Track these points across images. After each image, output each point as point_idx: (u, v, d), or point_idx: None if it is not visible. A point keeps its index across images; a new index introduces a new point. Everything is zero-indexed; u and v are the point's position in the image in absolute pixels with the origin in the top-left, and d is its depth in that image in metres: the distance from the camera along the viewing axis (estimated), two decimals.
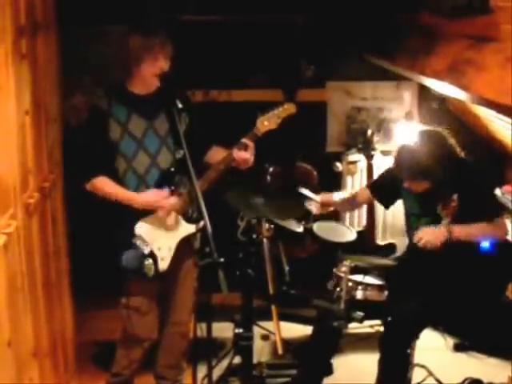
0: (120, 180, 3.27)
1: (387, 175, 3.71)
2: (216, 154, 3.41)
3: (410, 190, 3.49)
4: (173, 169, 3.28)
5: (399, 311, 3.34)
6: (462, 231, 3.32)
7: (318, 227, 4.33)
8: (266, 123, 3.31)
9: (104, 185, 3.24)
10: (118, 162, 3.26)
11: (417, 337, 3.46)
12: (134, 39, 3.15)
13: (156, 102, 3.24)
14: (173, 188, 3.29)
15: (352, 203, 3.91)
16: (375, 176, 4.17)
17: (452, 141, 3.41)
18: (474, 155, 3.54)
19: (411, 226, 3.58)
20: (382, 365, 3.33)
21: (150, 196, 3.25)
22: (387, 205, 3.83)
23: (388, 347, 3.31)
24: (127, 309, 3.37)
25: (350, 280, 3.43)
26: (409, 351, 3.38)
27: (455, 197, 3.33)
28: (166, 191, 3.27)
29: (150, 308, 3.40)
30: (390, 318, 3.39)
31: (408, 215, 3.61)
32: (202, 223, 2.95)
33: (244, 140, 3.29)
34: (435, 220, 3.41)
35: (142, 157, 3.28)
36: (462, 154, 3.42)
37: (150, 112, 3.28)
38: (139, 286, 3.33)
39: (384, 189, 3.73)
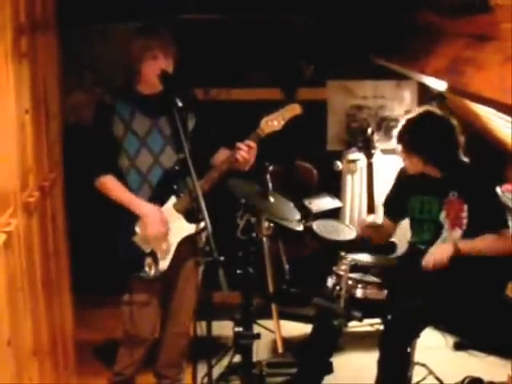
0: (123, 178, 3.29)
1: (394, 189, 3.72)
2: (222, 157, 3.38)
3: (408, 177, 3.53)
4: (177, 167, 3.28)
5: (399, 310, 3.34)
6: (467, 246, 3.34)
7: (318, 226, 4.32)
8: (270, 124, 3.29)
9: (111, 185, 3.26)
10: (121, 160, 3.28)
11: (417, 336, 3.46)
12: (136, 40, 3.21)
13: (161, 102, 3.24)
14: (175, 187, 3.30)
15: (380, 232, 3.81)
16: (375, 176, 4.17)
17: (453, 122, 3.44)
18: (474, 153, 3.55)
19: (414, 230, 3.61)
20: (382, 364, 3.32)
21: (154, 211, 3.24)
22: (397, 220, 3.81)
23: (388, 346, 3.31)
24: (129, 307, 3.37)
25: (349, 278, 3.42)
26: (408, 350, 3.38)
27: (465, 207, 3.35)
28: (165, 219, 3.26)
29: (151, 306, 3.41)
30: (389, 317, 3.39)
31: (412, 220, 3.62)
32: (202, 224, 2.95)
33: (247, 141, 3.28)
34: (437, 226, 3.45)
35: (144, 155, 3.29)
36: (462, 140, 3.43)
37: (154, 111, 3.29)
38: (141, 285, 3.34)
39: (394, 204, 3.73)
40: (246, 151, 3.24)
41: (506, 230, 3.38)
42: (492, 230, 3.37)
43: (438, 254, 3.35)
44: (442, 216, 3.46)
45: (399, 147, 3.50)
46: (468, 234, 3.41)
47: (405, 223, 3.76)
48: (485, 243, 3.36)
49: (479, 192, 3.39)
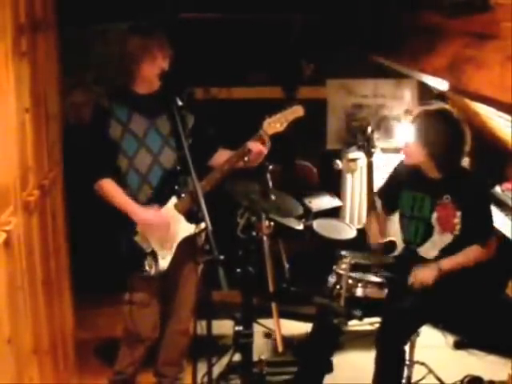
0: (122, 179, 3.28)
1: (391, 180, 3.71)
2: (221, 158, 3.37)
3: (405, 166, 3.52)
4: (178, 167, 3.27)
5: (395, 308, 3.34)
6: (450, 264, 3.36)
7: (318, 224, 4.33)
8: (273, 125, 3.28)
9: (109, 189, 3.25)
10: (119, 161, 3.27)
11: (413, 334, 3.46)
12: (133, 40, 3.20)
13: (158, 101, 3.25)
14: (176, 187, 3.29)
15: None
16: (375, 175, 4.17)
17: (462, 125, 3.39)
18: (474, 152, 3.54)
19: (403, 226, 3.59)
20: (378, 361, 3.32)
21: (151, 216, 3.24)
22: (391, 210, 3.79)
23: (384, 344, 3.30)
24: (129, 306, 3.37)
25: (350, 277, 3.43)
26: (405, 348, 3.37)
27: (458, 214, 3.34)
28: (167, 216, 3.25)
29: (152, 306, 3.41)
30: (385, 315, 3.39)
31: (402, 216, 3.60)
32: (203, 224, 2.95)
33: (248, 143, 3.27)
34: (427, 227, 3.44)
35: (143, 155, 3.28)
36: (468, 149, 3.41)
37: (151, 111, 3.28)
38: (142, 284, 3.34)
39: (389, 194, 3.71)
40: (247, 155, 3.24)
41: (490, 240, 3.40)
42: (477, 239, 3.38)
43: (423, 276, 3.35)
44: (434, 217, 3.44)
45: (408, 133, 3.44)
46: (457, 240, 3.40)
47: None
48: (466, 257, 3.37)
49: (472, 200, 3.37)
